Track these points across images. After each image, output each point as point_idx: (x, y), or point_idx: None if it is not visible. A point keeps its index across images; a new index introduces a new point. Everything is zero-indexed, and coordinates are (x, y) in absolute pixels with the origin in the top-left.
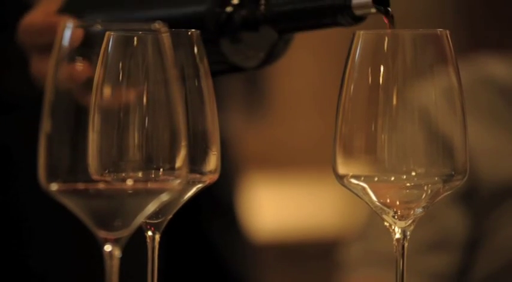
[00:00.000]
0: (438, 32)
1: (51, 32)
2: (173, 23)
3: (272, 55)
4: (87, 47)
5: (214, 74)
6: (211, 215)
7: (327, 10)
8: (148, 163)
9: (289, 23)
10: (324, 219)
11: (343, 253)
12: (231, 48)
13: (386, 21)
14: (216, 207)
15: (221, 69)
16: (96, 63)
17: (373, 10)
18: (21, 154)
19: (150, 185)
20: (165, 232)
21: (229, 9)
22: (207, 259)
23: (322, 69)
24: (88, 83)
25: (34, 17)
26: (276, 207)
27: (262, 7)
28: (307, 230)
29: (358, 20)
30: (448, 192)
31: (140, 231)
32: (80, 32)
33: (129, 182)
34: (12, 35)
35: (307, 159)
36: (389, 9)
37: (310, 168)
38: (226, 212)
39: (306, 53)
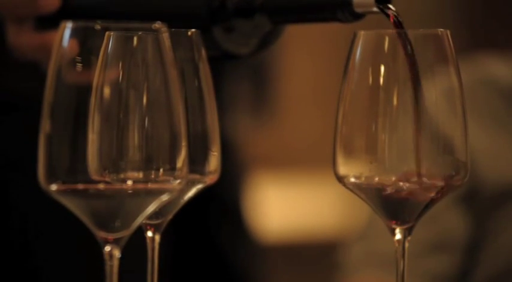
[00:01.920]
0: (439, 32)
1: (31, 4)
2: (166, 11)
3: (265, 43)
4: (88, 47)
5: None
6: (219, 216)
7: (326, 5)
8: (148, 163)
9: (286, 15)
10: (325, 220)
11: (344, 254)
12: (224, 35)
13: (391, 20)
14: (223, 209)
15: (213, 56)
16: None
17: (375, 9)
18: (21, 154)
19: (150, 186)
20: (172, 234)
21: None
22: (214, 259)
23: (326, 70)
24: (80, 61)
25: None
26: (283, 209)
27: None
28: (309, 230)
29: (357, 17)
30: (449, 194)
31: (140, 232)
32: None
33: (129, 183)
34: None
35: (309, 161)
36: (391, 7)
37: (312, 170)
38: (233, 213)
39: (311, 55)
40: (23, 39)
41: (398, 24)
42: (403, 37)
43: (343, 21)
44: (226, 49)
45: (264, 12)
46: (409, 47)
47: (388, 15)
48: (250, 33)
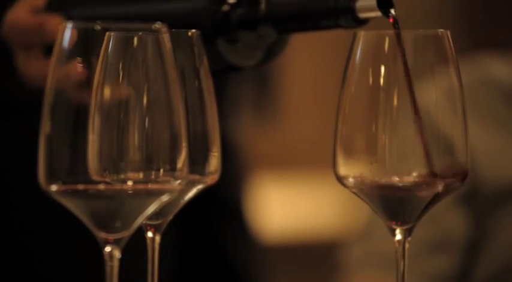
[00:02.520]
0: (439, 32)
1: (38, 32)
2: (170, 21)
3: (269, 54)
4: (88, 47)
5: (212, 74)
6: (220, 216)
7: (329, 12)
8: (149, 164)
9: (290, 24)
10: (325, 220)
11: (344, 254)
12: (228, 47)
13: (391, 21)
14: (224, 209)
15: (218, 68)
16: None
17: (378, 13)
18: (22, 156)
19: (150, 186)
20: (174, 234)
21: (226, 7)
22: (215, 260)
23: (327, 71)
24: (84, 81)
25: (20, 15)
26: (284, 209)
27: (263, 6)
28: (309, 231)
29: (360, 22)
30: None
31: (141, 232)
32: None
33: (129, 183)
34: None
35: (310, 161)
36: (393, 12)
37: (313, 170)
38: (234, 214)
39: (311, 56)
40: (32, 66)
41: (396, 29)
42: (399, 40)
43: (347, 28)
44: (230, 61)
45: (268, 22)
46: (404, 50)
47: (389, 18)
48: (255, 45)
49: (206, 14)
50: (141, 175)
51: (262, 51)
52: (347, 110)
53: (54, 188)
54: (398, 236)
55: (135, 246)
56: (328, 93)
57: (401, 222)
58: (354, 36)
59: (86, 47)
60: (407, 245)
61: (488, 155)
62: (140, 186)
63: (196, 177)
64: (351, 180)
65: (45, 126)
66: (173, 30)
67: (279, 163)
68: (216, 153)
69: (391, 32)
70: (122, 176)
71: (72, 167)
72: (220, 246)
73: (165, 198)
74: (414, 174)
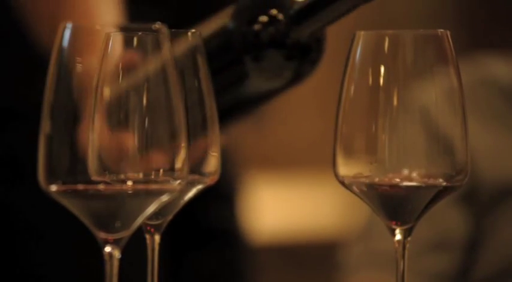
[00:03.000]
0: (439, 32)
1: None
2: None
3: (298, 75)
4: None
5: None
6: (218, 216)
7: None
8: (149, 164)
9: (310, 18)
10: (325, 220)
11: (344, 254)
12: (256, 66)
13: None
14: (221, 209)
15: (248, 94)
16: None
17: None
18: (22, 156)
19: (150, 186)
20: (165, 232)
21: (257, 27)
22: (215, 261)
23: (324, 69)
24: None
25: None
26: (278, 209)
27: (280, 15)
28: (309, 231)
29: None
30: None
31: (140, 232)
32: None
33: (129, 183)
34: (31, 45)
35: (310, 161)
36: None
37: (312, 170)
38: (232, 214)
39: None
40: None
41: None
42: None
43: (366, 1)
44: (259, 82)
45: (290, 25)
46: None
47: None
48: (284, 65)
49: (236, 35)
50: (141, 175)
51: (291, 71)
52: (347, 109)
53: (53, 188)
54: (398, 236)
55: (135, 246)
56: (328, 93)
57: (401, 222)
58: (354, 36)
59: (86, 47)
60: (407, 245)
61: (489, 154)
62: (140, 186)
63: (196, 177)
64: (350, 180)
65: (45, 126)
66: (173, 30)
67: (278, 163)
68: (215, 153)
69: (391, 32)
70: (122, 176)
71: (71, 167)
72: (219, 246)
73: (164, 198)
74: (414, 174)
